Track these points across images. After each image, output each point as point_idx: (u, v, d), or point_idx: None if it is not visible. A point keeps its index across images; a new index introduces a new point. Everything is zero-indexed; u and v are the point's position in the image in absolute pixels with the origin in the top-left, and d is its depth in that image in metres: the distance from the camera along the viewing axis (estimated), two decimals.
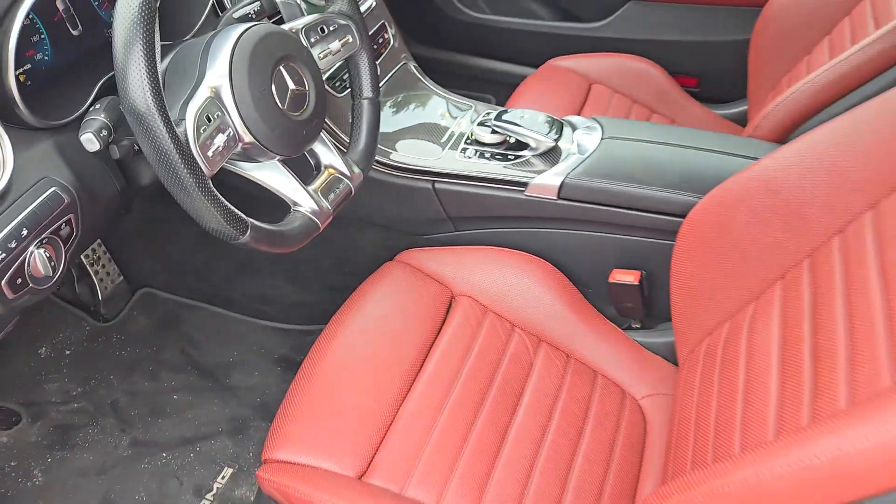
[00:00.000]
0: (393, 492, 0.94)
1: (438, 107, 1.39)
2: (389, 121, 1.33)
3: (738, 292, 0.98)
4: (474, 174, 1.22)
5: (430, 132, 1.32)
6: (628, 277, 1.17)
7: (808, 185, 0.89)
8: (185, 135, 0.76)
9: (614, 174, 1.15)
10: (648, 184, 1.13)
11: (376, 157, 1.23)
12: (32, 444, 1.29)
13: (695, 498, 0.63)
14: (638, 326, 1.24)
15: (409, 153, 1.27)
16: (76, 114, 0.86)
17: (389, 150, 1.27)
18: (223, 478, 1.25)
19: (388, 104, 1.38)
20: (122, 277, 1.55)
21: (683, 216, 1.03)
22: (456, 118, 1.35)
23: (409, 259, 1.24)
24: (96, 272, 1.48)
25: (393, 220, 1.32)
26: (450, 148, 1.27)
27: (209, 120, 0.79)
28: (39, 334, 1.46)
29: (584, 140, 1.22)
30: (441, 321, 1.14)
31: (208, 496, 1.23)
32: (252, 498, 1.23)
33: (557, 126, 1.23)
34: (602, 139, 1.21)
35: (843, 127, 0.89)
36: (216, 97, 0.80)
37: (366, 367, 1.05)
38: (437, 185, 1.24)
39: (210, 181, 0.77)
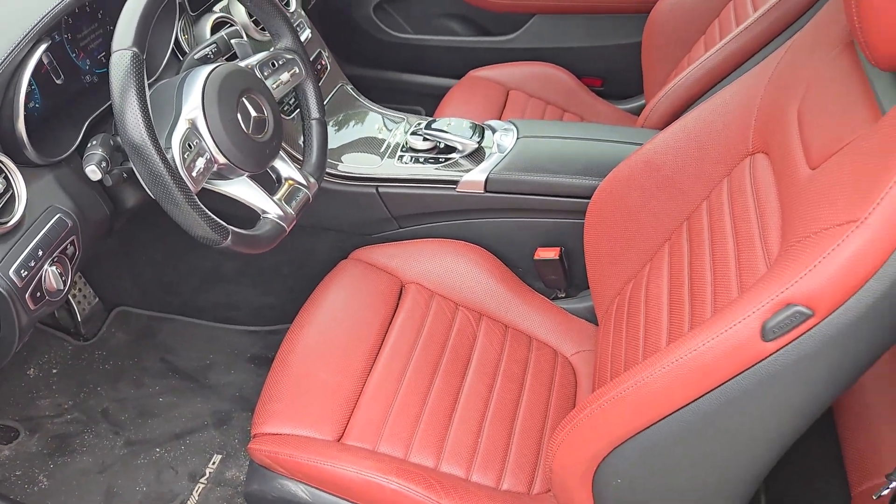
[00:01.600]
0: (367, 449, 1.11)
1: (375, 122, 1.57)
2: (333, 138, 1.51)
3: (637, 255, 1.18)
4: (412, 177, 1.40)
5: (370, 144, 1.49)
6: (550, 254, 1.37)
7: (681, 161, 1.10)
8: (174, 160, 0.92)
9: (530, 167, 1.35)
10: (559, 173, 1.33)
11: (328, 169, 1.40)
12: (34, 454, 1.41)
13: (603, 404, 0.83)
14: (563, 296, 1.44)
15: (354, 164, 1.44)
16: (70, 150, 1.01)
17: (336, 163, 1.44)
18: (213, 463, 1.40)
19: (331, 123, 1.55)
20: (97, 299, 1.67)
21: (589, 197, 1.21)
22: (391, 130, 1.53)
23: (361, 256, 1.41)
24: (73, 296, 1.61)
25: (344, 223, 1.49)
26: (388, 156, 1.45)
27: (190, 147, 0.95)
28: (26, 357, 1.57)
29: (502, 140, 1.42)
30: (394, 307, 1.30)
31: (202, 480, 1.38)
32: (242, 477, 1.38)
33: (479, 130, 1.42)
34: (518, 138, 1.41)
35: (704, 110, 1.09)
36: (193, 127, 0.96)
37: (333, 349, 1.21)
38: (380, 190, 1.42)
39: (196, 197, 0.93)
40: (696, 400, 0.77)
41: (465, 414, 1.16)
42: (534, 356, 1.29)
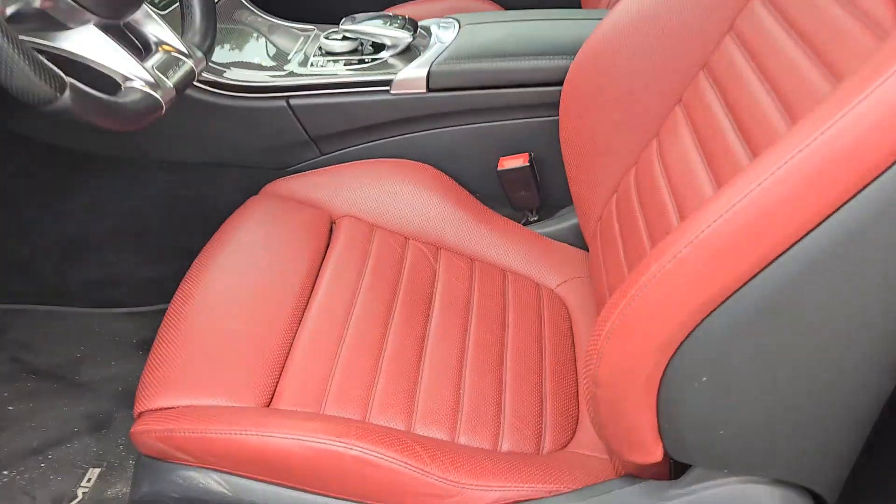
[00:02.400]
0: (307, 411, 0.79)
1: (276, 31, 1.26)
2: (219, 54, 1.17)
3: (636, 133, 0.93)
4: (331, 82, 1.10)
5: (272, 56, 1.18)
6: (517, 161, 1.10)
7: None
8: None
9: (481, 53, 1.08)
10: (519, 55, 1.06)
11: (212, 77, 1.08)
12: None
13: (665, 264, 0.54)
14: (535, 218, 1.16)
15: (253, 73, 1.12)
16: None
17: (223, 70, 1.11)
18: (89, 480, 1.02)
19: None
20: None
21: (561, 83, 0.97)
22: (299, 39, 1.23)
23: (276, 190, 1.10)
24: None
25: (248, 154, 1.16)
26: (298, 63, 1.14)
27: None
28: None
29: (442, 34, 1.14)
30: (325, 246, 1.01)
31: None
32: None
33: (412, 24, 1.14)
34: (462, 27, 1.13)
35: None
36: None
37: (246, 297, 0.90)
38: (291, 102, 1.10)
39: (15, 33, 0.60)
40: (811, 231, 0.50)
41: (437, 360, 0.88)
42: (511, 290, 1.02)
